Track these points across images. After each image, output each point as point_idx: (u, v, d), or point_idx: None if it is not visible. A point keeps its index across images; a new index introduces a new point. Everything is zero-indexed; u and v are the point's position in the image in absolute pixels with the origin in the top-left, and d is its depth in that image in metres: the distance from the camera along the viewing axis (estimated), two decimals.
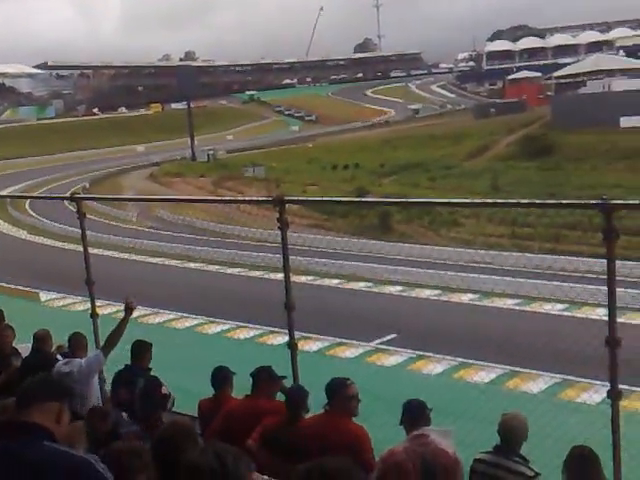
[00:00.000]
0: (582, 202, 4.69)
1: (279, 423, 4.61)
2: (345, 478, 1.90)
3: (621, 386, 3.85)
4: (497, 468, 4.13)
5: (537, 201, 5.07)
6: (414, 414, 4.30)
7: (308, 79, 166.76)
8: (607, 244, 3.84)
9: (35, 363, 5.75)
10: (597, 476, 3.85)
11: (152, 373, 5.63)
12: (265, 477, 2.36)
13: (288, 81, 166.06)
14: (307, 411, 4.74)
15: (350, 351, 16.88)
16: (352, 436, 4.37)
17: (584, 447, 3.98)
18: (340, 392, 4.48)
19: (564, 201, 4.79)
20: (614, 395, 3.84)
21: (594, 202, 3.87)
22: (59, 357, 6.13)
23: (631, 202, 4.54)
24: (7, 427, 2.45)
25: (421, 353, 16.29)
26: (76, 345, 6.04)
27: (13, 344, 6.50)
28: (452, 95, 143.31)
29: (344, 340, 17.47)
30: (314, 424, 4.57)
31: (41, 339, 6.16)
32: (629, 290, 17.89)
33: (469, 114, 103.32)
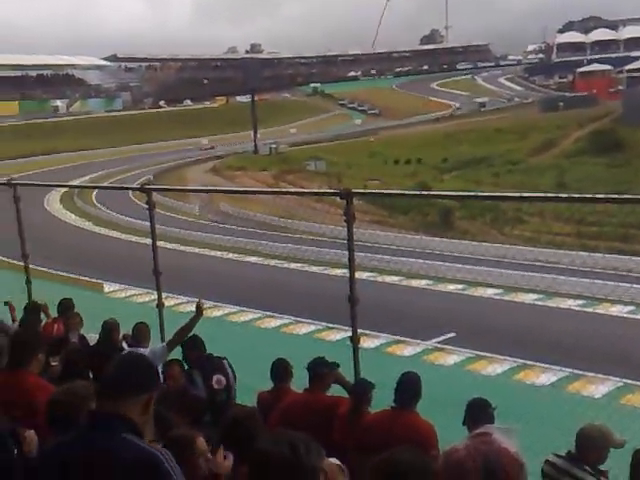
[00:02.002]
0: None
1: (344, 416, 4.65)
2: (420, 470, 1.90)
3: None
4: (565, 475, 4.05)
5: (599, 195, 4.80)
6: (477, 413, 4.28)
7: (373, 71, 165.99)
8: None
9: (103, 351, 5.96)
10: None
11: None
12: (337, 461, 2.34)
13: (352, 73, 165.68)
14: (370, 404, 4.76)
15: (408, 349, 16.77)
16: (420, 431, 4.39)
17: None
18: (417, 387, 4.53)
19: (627, 196, 4.61)
20: None
21: None
22: (124, 346, 6.32)
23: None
24: (94, 417, 2.45)
25: (480, 353, 16.08)
26: (140, 335, 6.21)
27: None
28: (520, 88, 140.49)
29: (402, 338, 17.37)
30: (381, 418, 4.59)
31: (110, 328, 6.35)
32: None
33: (537, 108, 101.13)
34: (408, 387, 4.59)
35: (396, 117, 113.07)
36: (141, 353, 4.88)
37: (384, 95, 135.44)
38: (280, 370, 5.41)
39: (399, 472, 1.88)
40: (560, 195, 5.50)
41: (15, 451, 2.84)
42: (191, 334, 5.90)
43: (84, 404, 3.11)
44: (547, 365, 14.97)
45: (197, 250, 29.67)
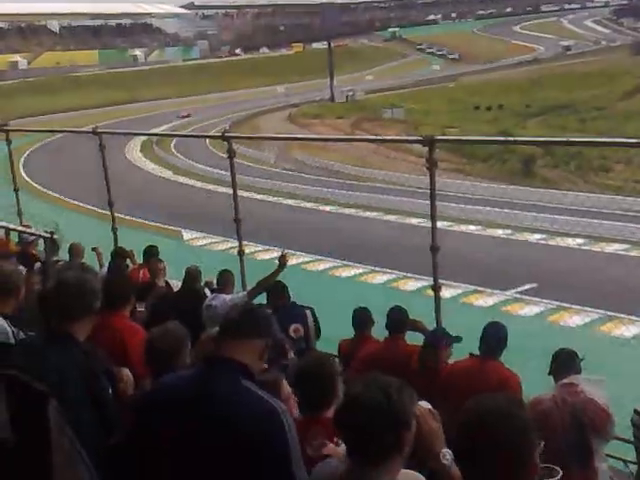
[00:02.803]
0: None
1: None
2: (510, 415, 1.86)
3: None
4: None
5: None
6: (564, 363, 4.22)
7: (453, 14, 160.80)
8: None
9: (187, 297, 6.12)
10: None
11: None
12: (428, 404, 2.33)
13: (432, 17, 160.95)
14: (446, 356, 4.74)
15: (487, 299, 16.62)
16: (506, 380, 4.35)
17: None
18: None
19: None
20: None
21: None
22: (207, 292, 6.47)
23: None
24: (213, 361, 2.47)
25: (563, 304, 15.77)
26: (225, 281, 6.32)
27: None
28: (607, 31, 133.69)
29: (481, 288, 17.18)
30: (466, 366, 4.58)
31: (192, 274, 6.49)
32: None
33: (625, 51, 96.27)
34: (494, 336, 4.54)
35: (477, 62, 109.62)
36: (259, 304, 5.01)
37: (464, 39, 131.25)
38: (361, 318, 5.42)
39: (491, 419, 1.84)
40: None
41: (110, 390, 2.94)
42: (277, 280, 5.97)
43: (183, 346, 3.21)
44: (633, 317, 14.58)
45: (273, 198, 29.95)
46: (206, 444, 2.32)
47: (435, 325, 5.16)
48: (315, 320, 5.88)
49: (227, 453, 2.29)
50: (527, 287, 16.85)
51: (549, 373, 4.32)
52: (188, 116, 69.93)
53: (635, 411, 4.15)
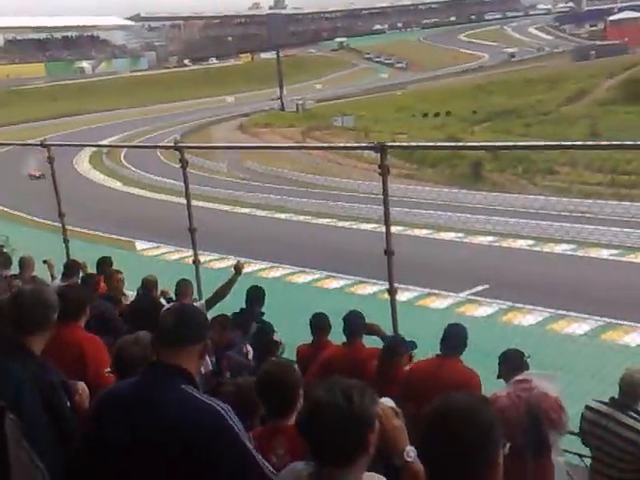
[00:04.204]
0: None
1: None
2: (475, 412, 1.87)
3: None
4: (609, 419, 4.06)
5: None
6: (512, 363, 4.30)
7: (399, 24, 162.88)
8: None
9: (143, 307, 6.04)
10: None
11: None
12: (390, 402, 2.33)
13: (378, 27, 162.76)
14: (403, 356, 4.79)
15: (440, 302, 16.80)
16: (466, 378, 4.44)
17: None
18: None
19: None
20: None
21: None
22: (163, 302, 6.40)
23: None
24: (153, 368, 2.47)
25: (514, 304, 16.04)
26: (182, 291, 6.27)
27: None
28: (550, 37, 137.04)
29: (434, 291, 17.36)
30: (427, 366, 4.66)
31: (149, 284, 6.43)
32: None
33: (568, 57, 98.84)
34: (455, 336, 4.64)
35: (423, 70, 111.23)
36: (192, 304, 4.98)
37: (411, 48, 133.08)
38: (318, 323, 5.45)
39: (456, 417, 1.85)
40: (600, 143, 5.37)
41: (67, 403, 2.90)
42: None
43: (153, 353, 3.19)
44: (580, 315, 14.92)
45: (226, 207, 29.81)
46: (152, 451, 2.30)
47: (392, 328, 5.21)
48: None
49: (174, 460, 2.27)
50: (480, 288, 17.10)
51: (498, 376, 4.41)
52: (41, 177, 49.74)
53: (587, 407, 4.25)
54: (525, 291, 16.14)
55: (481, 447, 1.83)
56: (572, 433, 4.32)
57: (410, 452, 2.14)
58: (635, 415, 4.00)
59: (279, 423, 2.96)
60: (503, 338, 12.10)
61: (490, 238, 22.78)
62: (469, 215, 25.33)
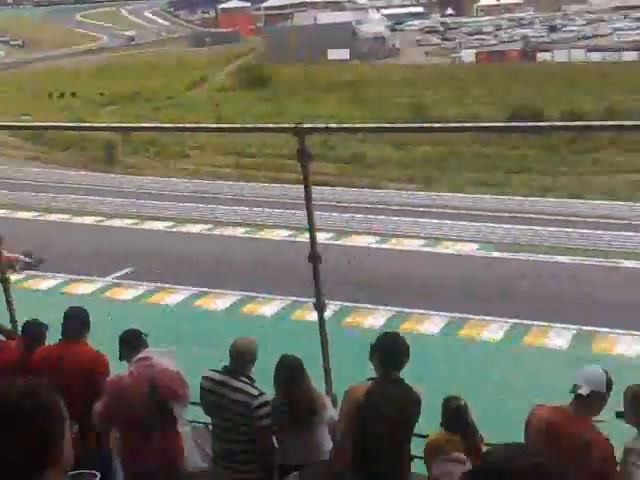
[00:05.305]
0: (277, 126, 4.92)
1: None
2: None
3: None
4: (222, 386, 4.32)
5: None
6: (132, 343, 4.45)
7: (9, 0, 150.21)
8: (302, 167, 4.09)
9: None
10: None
11: None
12: None
13: None
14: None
15: (85, 287, 16.49)
16: (91, 359, 4.55)
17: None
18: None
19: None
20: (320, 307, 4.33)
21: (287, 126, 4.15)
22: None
23: (320, 126, 4.82)
24: None
25: (161, 285, 16.46)
26: None
27: None
28: (167, 23, 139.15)
29: (78, 277, 16.98)
30: (50, 350, 4.67)
31: None
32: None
33: (184, 43, 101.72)
34: (75, 318, 4.68)
35: (42, 49, 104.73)
36: None
37: (26, 26, 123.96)
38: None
39: None
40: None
41: None
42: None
43: None
44: (225, 291, 15.99)
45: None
46: None
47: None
48: None
49: None
50: (125, 271, 17.17)
51: (120, 358, 4.50)
52: None
53: (203, 377, 4.43)
54: (173, 271, 16.71)
55: None
56: (195, 403, 4.48)
57: None
58: (246, 379, 4.31)
59: None
60: (145, 318, 12.42)
61: (130, 221, 22.82)
62: (110, 199, 25.15)
